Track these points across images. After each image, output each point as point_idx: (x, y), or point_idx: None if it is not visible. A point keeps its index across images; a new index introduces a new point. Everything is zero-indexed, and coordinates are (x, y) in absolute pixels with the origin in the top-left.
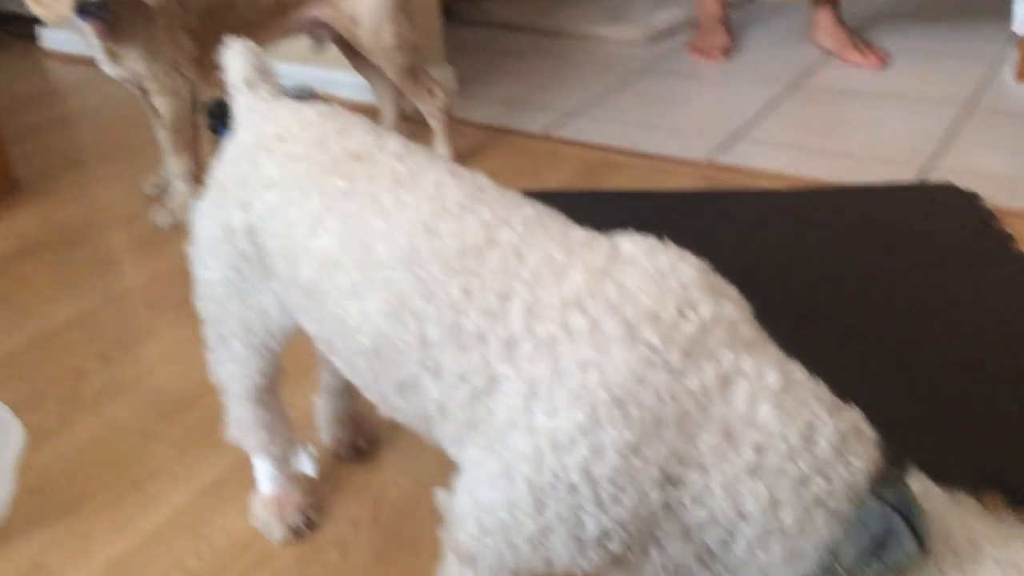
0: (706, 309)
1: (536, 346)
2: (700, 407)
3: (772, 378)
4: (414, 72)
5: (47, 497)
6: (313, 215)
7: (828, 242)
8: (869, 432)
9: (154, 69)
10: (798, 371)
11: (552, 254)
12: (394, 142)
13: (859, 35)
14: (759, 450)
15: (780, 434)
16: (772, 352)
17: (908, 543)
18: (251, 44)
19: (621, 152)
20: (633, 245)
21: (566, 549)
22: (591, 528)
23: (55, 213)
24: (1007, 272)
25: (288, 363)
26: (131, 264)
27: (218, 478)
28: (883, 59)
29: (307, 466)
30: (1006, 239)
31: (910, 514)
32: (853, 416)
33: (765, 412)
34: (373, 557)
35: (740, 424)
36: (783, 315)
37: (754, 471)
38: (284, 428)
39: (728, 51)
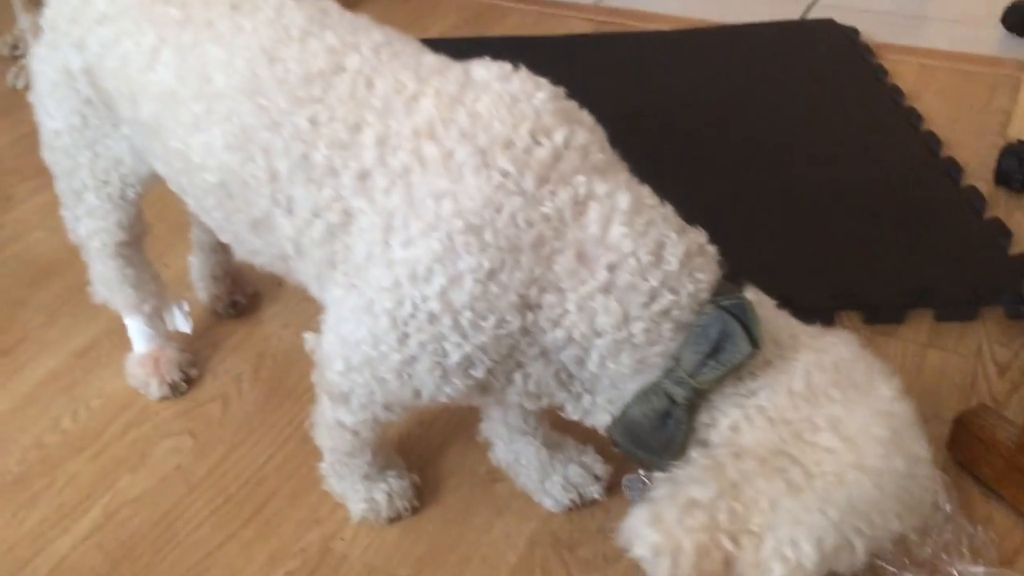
0: (559, 135)
1: (390, 178)
2: (555, 231)
3: (623, 201)
4: None
5: None
6: (148, 48)
7: (712, 79)
8: (712, 250)
9: None
10: (648, 195)
11: (403, 81)
12: None
13: None
14: (612, 269)
15: (631, 253)
16: (624, 176)
17: (742, 343)
18: None
19: None
20: (486, 71)
21: (432, 378)
22: (454, 356)
23: None
24: (879, 104)
25: (161, 222)
26: None
27: (91, 341)
28: None
29: (182, 323)
30: (881, 73)
31: (745, 318)
32: (698, 236)
33: (617, 233)
34: (255, 408)
35: (594, 246)
36: (669, 151)
37: (607, 289)
38: (153, 285)
39: None
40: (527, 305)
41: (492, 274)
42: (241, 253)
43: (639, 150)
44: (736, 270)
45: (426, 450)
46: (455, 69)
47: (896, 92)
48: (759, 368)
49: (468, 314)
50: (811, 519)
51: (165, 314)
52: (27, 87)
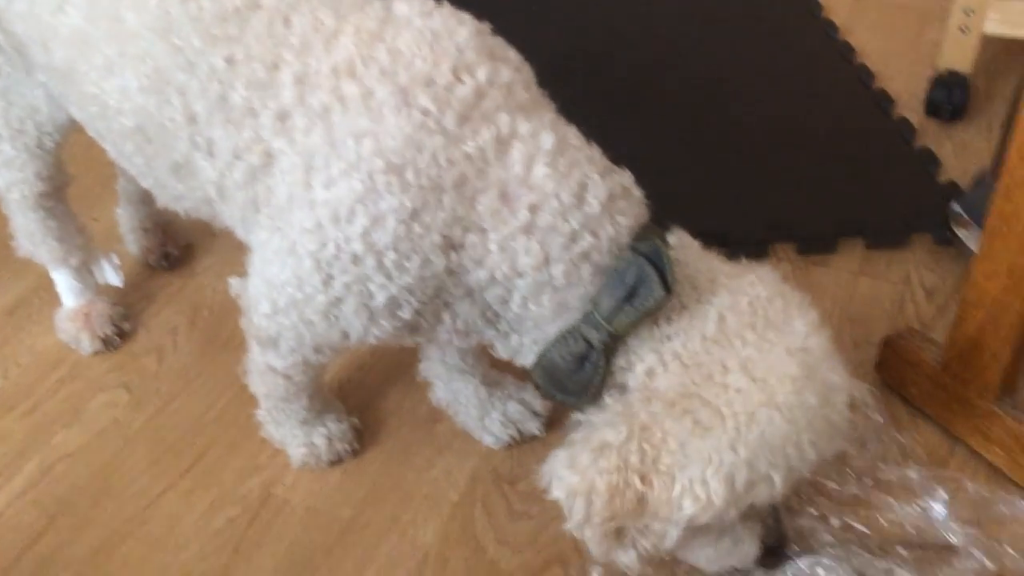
0: (482, 72)
1: (309, 118)
2: (478, 171)
3: (547, 140)
4: None
5: None
6: None
7: (644, 19)
8: (637, 192)
9: None
10: (574, 135)
11: (321, 18)
12: None
13: None
14: (533, 210)
15: (554, 194)
16: (549, 116)
17: (656, 288)
18: None
19: None
20: (407, 6)
21: (359, 320)
22: (380, 297)
23: None
24: (813, 38)
25: (88, 174)
26: None
27: (20, 298)
28: None
29: (112, 277)
30: (815, 7)
31: (660, 263)
32: (623, 177)
33: (540, 173)
34: (191, 360)
35: (516, 186)
36: (601, 91)
37: (528, 230)
38: (78, 237)
39: None
40: (451, 245)
41: (415, 214)
42: (164, 199)
43: (569, 90)
44: (671, 208)
45: (366, 393)
46: (375, 5)
47: (830, 26)
48: (675, 313)
49: (392, 255)
50: (720, 457)
51: (94, 268)
52: None
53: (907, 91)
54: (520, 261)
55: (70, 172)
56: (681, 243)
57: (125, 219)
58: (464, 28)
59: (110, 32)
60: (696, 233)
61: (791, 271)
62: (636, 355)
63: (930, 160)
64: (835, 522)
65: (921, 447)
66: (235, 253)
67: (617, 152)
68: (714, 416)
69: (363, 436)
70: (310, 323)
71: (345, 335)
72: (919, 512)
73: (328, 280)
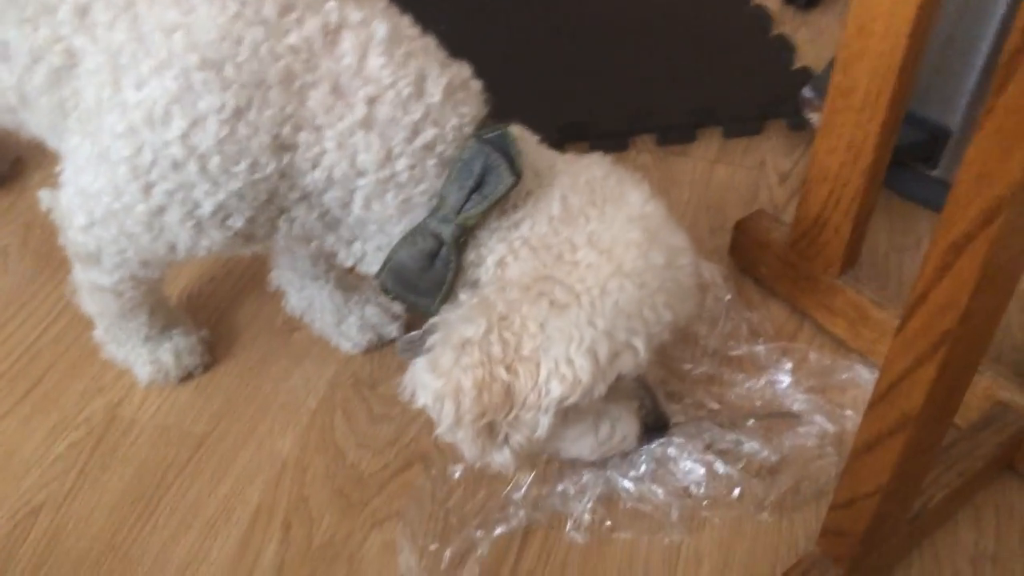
0: None
1: (112, 11)
2: (305, 64)
3: (380, 29)
4: None
5: None
6: None
7: None
8: (477, 85)
9: None
10: (407, 24)
11: None
12: None
13: None
14: (371, 102)
15: (391, 84)
16: (380, 4)
17: (505, 174)
18: None
19: None
20: None
21: (185, 230)
22: (207, 206)
23: None
24: None
25: None
26: None
27: None
28: None
29: None
30: None
31: (507, 150)
32: (463, 70)
33: (375, 64)
34: (24, 281)
35: (349, 78)
36: None
37: (367, 124)
38: None
39: None
40: (281, 146)
41: (238, 113)
42: None
43: None
44: (529, 103)
45: (219, 304)
46: None
47: None
48: (521, 200)
49: (216, 159)
50: (580, 333)
51: None
52: None
53: None
54: (360, 158)
55: None
56: (521, 135)
57: None
58: None
59: None
60: (555, 128)
61: (651, 162)
62: (486, 247)
63: (785, 47)
64: (688, 400)
65: (770, 324)
66: None
67: (466, 45)
68: (568, 294)
69: (216, 350)
70: (132, 235)
71: (172, 248)
72: (766, 384)
73: (147, 188)
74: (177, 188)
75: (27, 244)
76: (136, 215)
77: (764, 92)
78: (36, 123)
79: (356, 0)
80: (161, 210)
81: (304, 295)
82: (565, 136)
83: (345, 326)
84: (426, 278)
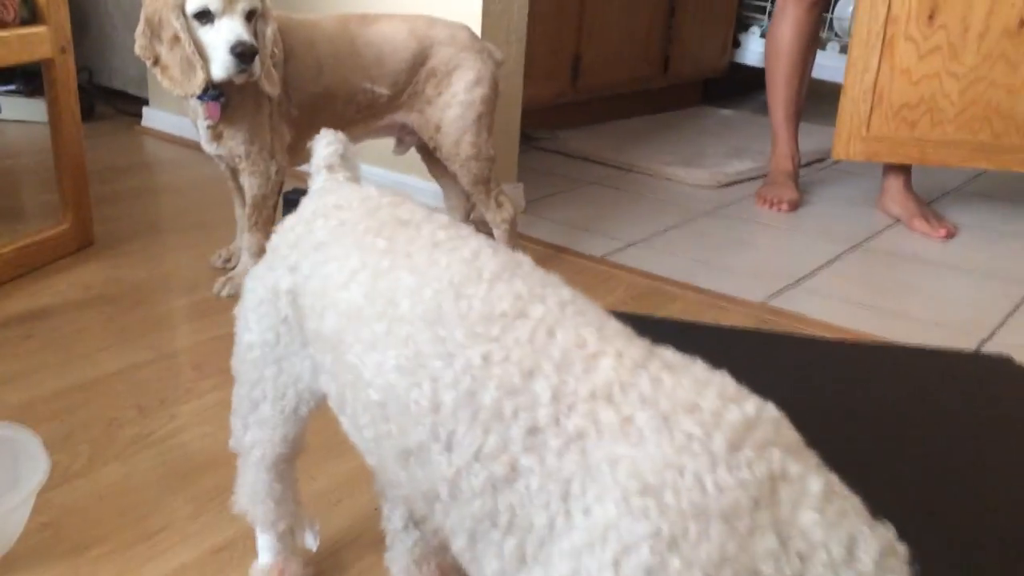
0: (751, 405)
1: (563, 439)
2: (753, 502)
3: (815, 484)
4: (486, 182)
5: (58, 535)
6: (349, 270)
7: (876, 397)
8: (902, 549)
9: (251, 151)
10: (837, 482)
11: (584, 336)
12: (444, 216)
13: (931, 208)
14: (802, 559)
15: (822, 544)
16: (813, 459)
17: None
18: (340, 134)
19: (675, 284)
20: (675, 355)
21: None
22: None
23: (122, 271)
24: None
25: (313, 437)
26: (185, 327)
27: (228, 541)
28: (951, 231)
29: (310, 541)
30: None
31: None
32: (889, 533)
33: (807, 519)
34: None
35: (788, 528)
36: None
37: None
38: (293, 504)
39: (795, 205)
40: None
41: (673, 543)
42: (382, 480)
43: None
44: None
45: None
46: (641, 340)
47: None
48: None
49: None
50: None
51: (297, 531)
52: (231, 296)
53: None
54: None
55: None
56: None
57: (397, 557)
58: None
59: (383, 312)
60: None
61: None
62: None
63: None
64: None
65: None
66: None
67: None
68: None
69: None
70: None
71: None
72: None
73: None
74: None
75: None
76: None
77: None
78: (453, 523)
79: (793, 451)
80: None
81: None
82: None
83: None
84: None
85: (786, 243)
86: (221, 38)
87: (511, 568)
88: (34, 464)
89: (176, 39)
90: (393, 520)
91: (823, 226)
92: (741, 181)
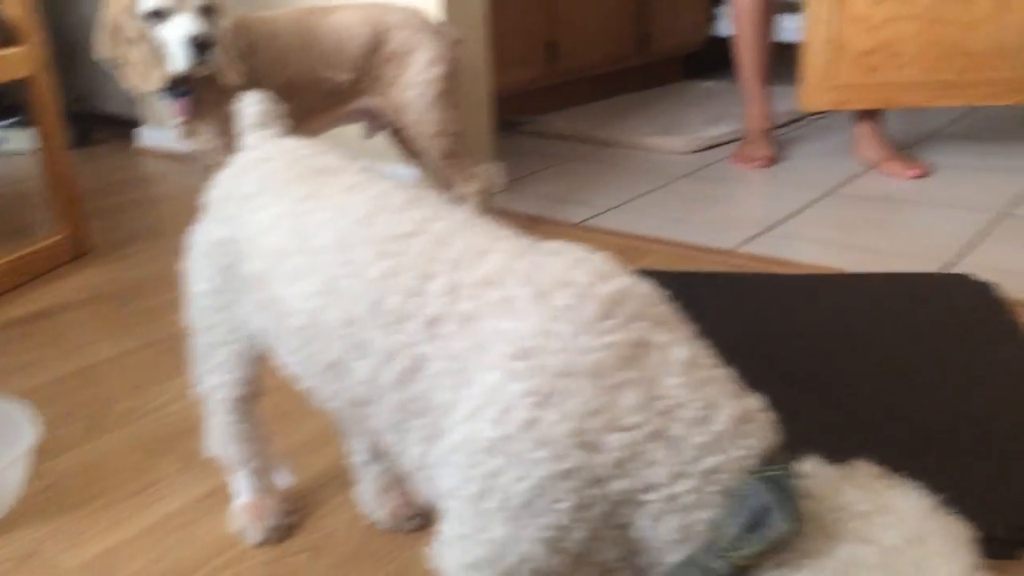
0: (622, 280)
1: (456, 323)
2: (618, 361)
3: (681, 353)
4: (455, 156)
5: (56, 496)
6: (273, 215)
7: (837, 321)
8: (767, 418)
9: (225, 144)
10: (706, 354)
11: (476, 241)
12: (361, 164)
13: (903, 151)
14: (663, 416)
15: (683, 405)
16: (685, 332)
17: (780, 520)
18: (264, 94)
19: (649, 239)
20: (559, 243)
21: (502, 519)
22: (519, 491)
23: (118, 273)
24: (1006, 353)
25: (292, 397)
26: (174, 316)
27: (213, 489)
28: (925, 171)
29: (283, 479)
30: (1012, 325)
31: (788, 492)
32: (755, 402)
33: (672, 382)
34: (340, 562)
35: (652, 388)
36: (789, 384)
37: (658, 436)
38: (262, 442)
39: (772, 161)
40: (585, 443)
41: (546, 399)
42: (319, 400)
43: (748, 377)
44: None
45: None
46: (529, 238)
47: None
48: (799, 554)
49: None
50: None
51: (270, 468)
52: None
53: None
54: (651, 471)
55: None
56: (815, 473)
57: (365, 488)
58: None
59: (301, 247)
60: None
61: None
62: None
63: None
64: None
65: None
66: None
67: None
68: None
69: None
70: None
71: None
72: None
73: (467, 471)
74: (492, 474)
75: (350, 532)
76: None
77: None
78: (379, 418)
79: (663, 323)
80: (482, 495)
81: None
82: None
83: None
84: None
85: (761, 196)
86: (176, 33)
87: (428, 447)
88: (20, 426)
89: (134, 40)
90: (359, 453)
91: (798, 178)
92: (719, 145)
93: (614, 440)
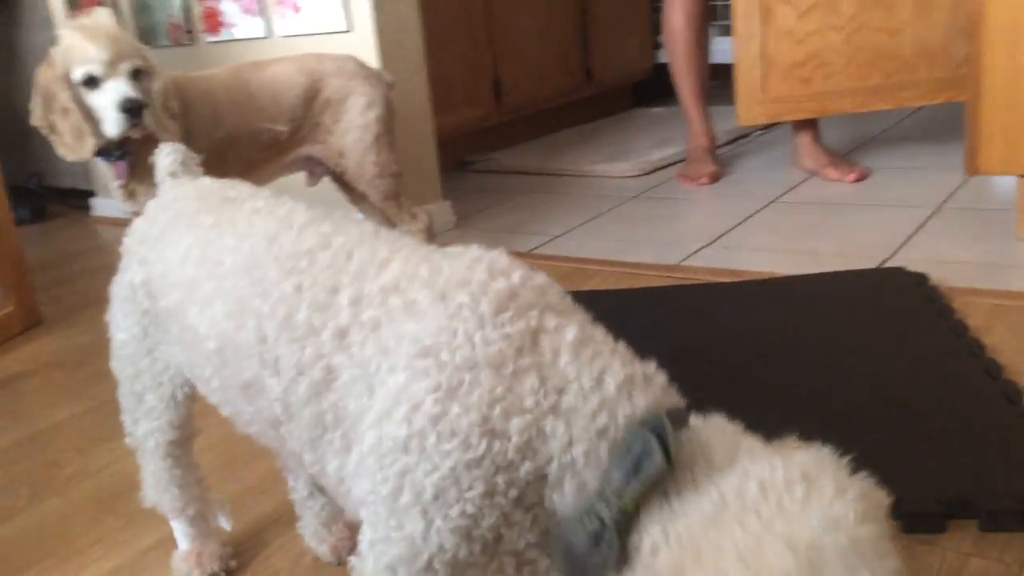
0: (517, 275)
1: (363, 332)
2: (516, 351)
3: (571, 334)
4: (396, 197)
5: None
6: (184, 248)
7: (779, 322)
8: (660, 379)
9: None
10: (600, 333)
11: (377, 250)
12: (267, 191)
13: (842, 156)
14: (559, 392)
15: (575, 379)
16: (578, 316)
17: (658, 458)
18: (179, 145)
19: (595, 262)
20: (458, 247)
21: (416, 513)
22: (427, 484)
23: (70, 340)
24: (940, 337)
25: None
26: None
27: (156, 542)
28: (863, 174)
29: (223, 522)
30: (947, 312)
31: (663, 434)
32: (647, 367)
33: (563, 361)
34: None
35: (547, 371)
36: (731, 384)
37: (555, 411)
38: (197, 487)
39: (716, 177)
40: (492, 431)
41: (451, 393)
42: (240, 425)
43: (690, 380)
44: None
45: None
46: (431, 246)
47: (961, 327)
48: (686, 490)
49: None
50: None
51: (208, 513)
52: None
53: None
54: (550, 444)
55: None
56: (710, 423)
57: (308, 524)
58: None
59: (211, 273)
60: None
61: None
62: (646, 531)
63: None
64: None
65: None
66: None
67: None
68: None
69: None
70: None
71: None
72: None
73: (379, 472)
74: (403, 471)
75: (294, 571)
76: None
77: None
78: (297, 436)
79: (556, 311)
80: (396, 492)
81: None
82: None
83: None
84: (592, 562)
85: (705, 211)
86: (108, 99)
87: (345, 458)
88: None
89: (66, 109)
90: (299, 489)
91: (742, 191)
92: (666, 166)
93: (517, 424)
